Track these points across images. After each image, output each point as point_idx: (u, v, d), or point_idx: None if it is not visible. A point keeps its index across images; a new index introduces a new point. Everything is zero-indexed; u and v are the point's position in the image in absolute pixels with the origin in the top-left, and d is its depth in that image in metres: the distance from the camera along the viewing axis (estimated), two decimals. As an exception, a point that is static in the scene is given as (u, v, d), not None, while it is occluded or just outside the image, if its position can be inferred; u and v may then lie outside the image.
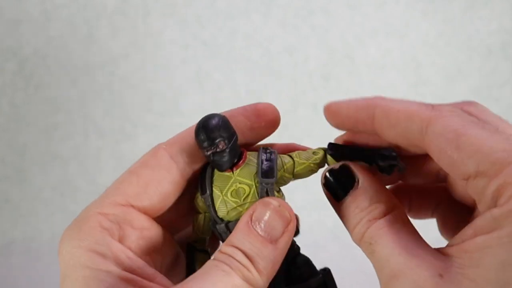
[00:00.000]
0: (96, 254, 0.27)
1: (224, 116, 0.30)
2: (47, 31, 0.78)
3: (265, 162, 0.30)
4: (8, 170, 0.79)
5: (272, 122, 0.32)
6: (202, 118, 0.30)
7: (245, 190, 0.30)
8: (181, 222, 0.34)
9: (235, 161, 0.30)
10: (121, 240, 0.29)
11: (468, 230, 0.25)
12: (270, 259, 0.27)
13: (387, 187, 0.31)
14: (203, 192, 0.31)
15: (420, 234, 0.29)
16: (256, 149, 0.32)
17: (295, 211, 0.30)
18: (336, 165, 0.30)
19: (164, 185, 0.30)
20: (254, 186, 0.30)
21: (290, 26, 0.80)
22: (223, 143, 0.29)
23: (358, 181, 0.29)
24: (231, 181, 0.30)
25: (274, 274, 0.28)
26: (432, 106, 0.27)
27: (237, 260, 0.27)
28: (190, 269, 0.31)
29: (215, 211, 0.30)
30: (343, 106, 0.31)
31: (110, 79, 0.79)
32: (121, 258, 0.28)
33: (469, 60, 0.82)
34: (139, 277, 0.27)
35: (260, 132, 0.32)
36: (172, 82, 0.80)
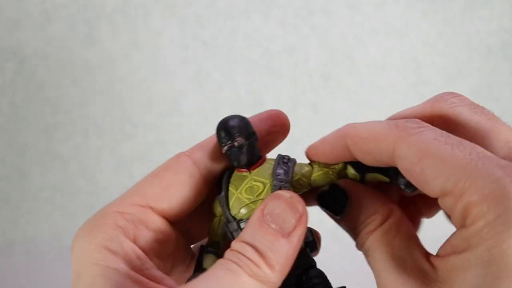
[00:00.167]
0: (107, 250, 0.27)
1: (246, 118, 0.31)
2: (47, 31, 0.78)
3: (282, 164, 0.31)
4: (8, 170, 0.79)
5: (285, 127, 0.33)
6: (225, 117, 0.31)
7: (259, 187, 0.30)
8: (199, 231, 0.34)
9: (253, 161, 0.31)
10: (134, 240, 0.29)
11: (447, 245, 0.25)
12: (282, 253, 0.26)
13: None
14: (219, 193, 0.31)
15: (419, 234, 0.29)
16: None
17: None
18: (325, 187, 0.31)
19: (185, 189, 0.30)
20: (268, 184, 0.30)
21: (290, 26, 0.80)
22: (241, 139, 0.30)
23: (351, 197, 0.30)
24: (247, 180, 0.31)
25: (287, 270, 0.26)
26: (396, 125, 0.27)
27: (246, 257, 0.26)
28: (197, 268, 0.31)
29: (229, 209, 0.31)
30: (319, 147, 0.32)
31: (110, 79, 0.79)
32: (131, 257, 0.28)
33: (469, 60, 0.82)
34: (146, 278, 0.27)
35: (274, 137, 0.33)
36: (172, 82, 0.80)
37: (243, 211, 0.30)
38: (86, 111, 0.79)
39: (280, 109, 0.33)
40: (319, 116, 0.79)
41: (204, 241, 0.35)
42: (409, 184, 0.28)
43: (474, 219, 0.23)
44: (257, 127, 0.31)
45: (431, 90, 0.88)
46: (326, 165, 0.32)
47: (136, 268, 0.27)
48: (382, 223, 0.28)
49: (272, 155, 0.33)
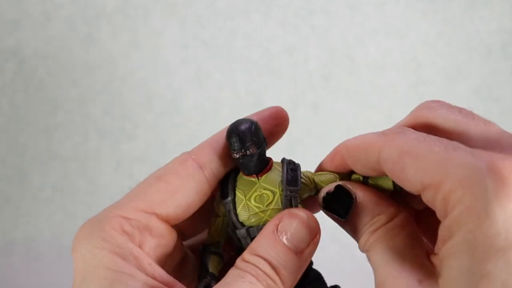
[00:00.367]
0: (119, 257, 0.27)
1: (257, 122, 0.31)
2: (47, 31, 0.78)
3: (290, 172, 0.31)
4: (8, 170, 0.79)
5: (287, 124, 0.33)
6: (236, 121, 0.30)
7: (269, 196, 0.30)
8: (191, 228, 0.34)
9: (262, 168, 0.31)
10: (140, 247, 0.29)
11: (438, 241, 0.26)
12: (294, 270, 0.28)
13: None
14: (224, 197, 0.31)
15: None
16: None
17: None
18: (331, 187, 0.31)
19: (191, 195, 0.30)
20: (278, 194, 0.30)
21: (290, 26, 0.80)
22: (253, 148, 0.30)
23: (356, 197, 0.30)
24: (256, 187, 0.31)
25: (295, 284, 0.28)
26: (382, 133, 0.28)
27: (262, 270, 0.27)
28: (203, 270, 0.31)
29: (236, 216, 0.31)
30: (322, 163, 0.33)
31: (110, 79, 0.79)
32: (143, 264, 0.28)
33: (469, 60, 0.82)
34: (161, 283, 0.28)
35: (275, 136, 0.33)
36: (172, 82, 0.80)
37: (252, 219, 0.30)
38: (86, 111, 0.79)
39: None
40: (319, 116, 0.79)
41: (196, 239, 0.35)
42: None
43: (453, 206, 0.24)
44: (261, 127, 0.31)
45: (431, 90, 0.88)
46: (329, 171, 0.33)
47: (150, 274, 0.28)
48: (387, 223, 0.29)
49: (271, 153, 0.33)
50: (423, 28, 0.82)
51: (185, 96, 0.80)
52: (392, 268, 0.27)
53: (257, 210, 0.30)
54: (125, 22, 0.78)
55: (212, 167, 0.31)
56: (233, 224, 0.31)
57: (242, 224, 0.31)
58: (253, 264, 0.27)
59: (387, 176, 0.30)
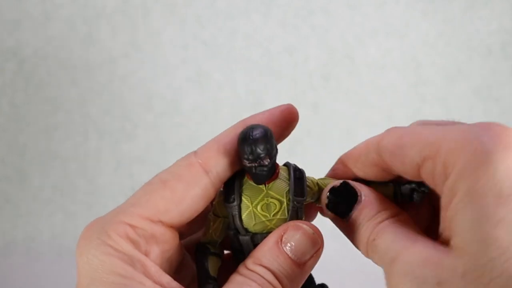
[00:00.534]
0: (127, 263, 0.27)
1: (271, 132, 0.30)
2: (47, 31, 0.78)
3: (297, 181, 0.31)
4: (8, 170, 0.79)
5: (296, 122, 0.33)
6: (250, 129, 0.29)
7: (276, 205, 0.30)
8: (190, 228, 0.34)
9: (271, 175, 0.31)
10: (146, 255, 0.29)
11: (442, 208, 0.26)
12: (296, 280, 0.29)
13: None
14: (228, 201, 0.31)
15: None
16: None
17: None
18: (337, 183, 0.31)
19: (197, 202, 0.30)
20: (285, 203, 0.30)
21: (290, 26, 0.80)
22: (267, 159, 0.29)
23: (361, 195, 0.30)
24: (263, 195, 0.31)
25: None
26: (385, 131, 0.30)
27: (266, 280, 0.28)
28: (204, 275, 0.31)
29: (241, 221, 0.31)
30: (328, 176, 0.34)
31: (110, 79, 0.79)
32: (150, 271, 0.28)
33: (469, 60, 0.82)
34: None
35: (283, 136, 0.33)
36: (172, 82, 0.80)
37: (257, 226, 0.31)
38: (86, 111, 0.79)
39: None
40: (319, 116, 0.79)
41: (191, 238, 0.35)
42: (413, 189, 0.30)
43: (453, 165, 0.24)
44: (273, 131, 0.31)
45: (431, 90, 0.88)
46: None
47: (158, 282, 0.28)
48: (392, 217, 0.29)
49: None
50: (423, 28, 0.82)
51: (185, 96, 0.80)
52: (404, 241, 0.27)
53: (264, 219, 0.30)
54: (125, 22, 0.78)
55: (218, 170, 0.30)
56: (235, 229, 0.31)
57: (246, 230, 0.31)
58: (258, 274, 0.28)
59: (388, 183, 0.31)
